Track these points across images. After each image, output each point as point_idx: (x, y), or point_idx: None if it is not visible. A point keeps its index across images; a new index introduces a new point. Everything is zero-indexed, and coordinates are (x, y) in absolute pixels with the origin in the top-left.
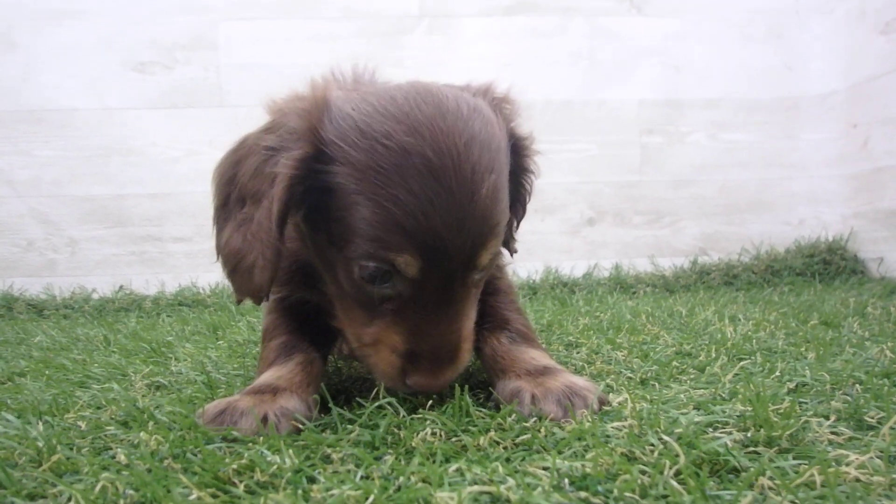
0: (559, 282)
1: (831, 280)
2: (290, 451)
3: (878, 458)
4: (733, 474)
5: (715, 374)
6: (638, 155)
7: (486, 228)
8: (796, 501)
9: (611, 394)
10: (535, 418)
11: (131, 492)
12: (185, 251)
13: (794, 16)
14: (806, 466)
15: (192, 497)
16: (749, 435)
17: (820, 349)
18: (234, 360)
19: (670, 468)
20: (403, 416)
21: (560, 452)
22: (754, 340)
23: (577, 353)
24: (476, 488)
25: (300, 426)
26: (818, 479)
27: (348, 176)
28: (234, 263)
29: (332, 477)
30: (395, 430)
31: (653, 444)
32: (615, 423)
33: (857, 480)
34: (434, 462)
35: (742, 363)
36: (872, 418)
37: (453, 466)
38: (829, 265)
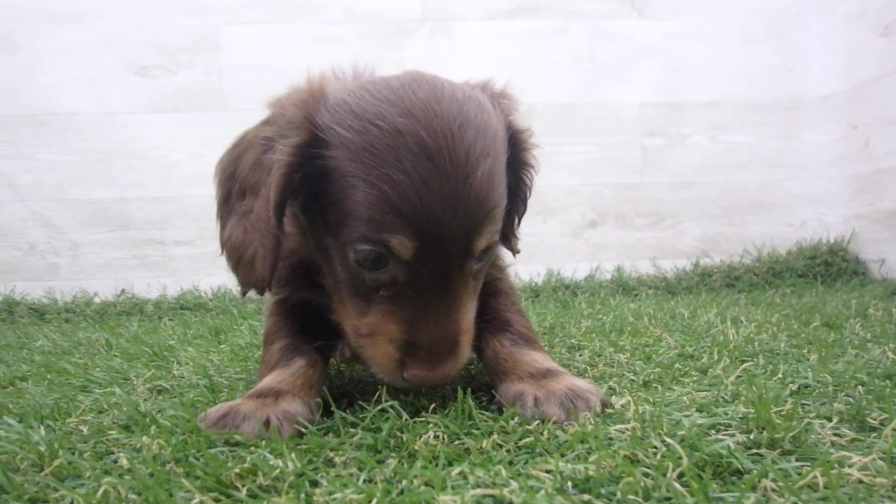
0: (561, 284)
1: (833, 281)
2: (293, 454)
3: (880, 459)
4: (736, 476)
5: (717, 376)
6: (639, 156)
7: (482, 213)
8: (799, 503)
9: (613, 396)
10: (537, 421)
11: (133, 496)
12: (188, 254)
13: (794, 17)
14: (808, 468)
15: (195, 501)
16: (752, 437)
17: (822, 351)
18: (237, 363)
19: (673, 470)
20: (406, 420)
21: (563, 455)
22: (756, 342)
23: (580, 355)
24: (479, 491)
25: (302, 430)
26: (821, 480)
27: (343, 159)
28: (237, 256)
29: (334, 480)
30: (398, 434)
31: (656, 447)
32: (618, 426)
33: (860, 482)
34: (437, 465)
35: (744, 365)
36: (875, 420)
37: (456, 469)
38: (830, 267)
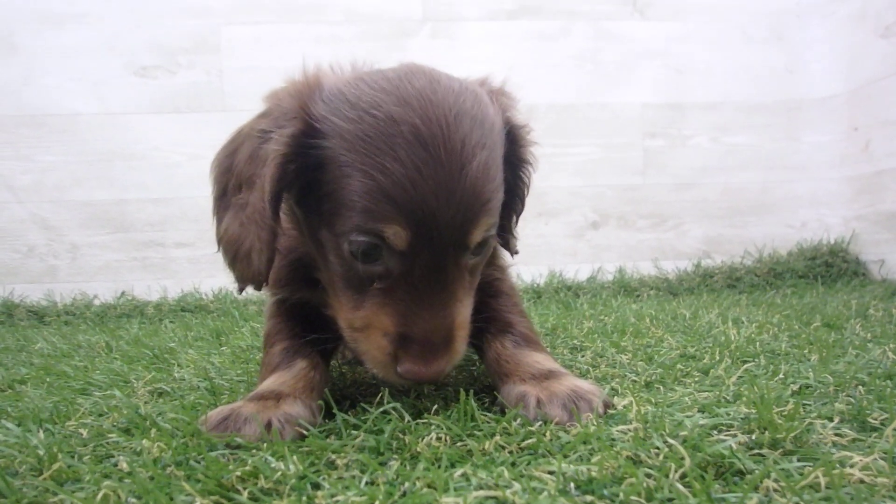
0: (563, 285)
1: (833, 282)
2: (295, 457)
3: (881, 459)
4: (738, 477)
5: (719, 376)
6: (641, 158)
7: (478, 204)
8: (801, 503)
9: (615, 397)
10: (540, 422)
11: (133, 500)
12: (188, 256)
13: (795, 18)
14: (810, 468)
15: None
16: (754, 437)
17: (823, 351)
18: (238, 366)
19: (676, 471)
20: (408, 421)
21: (565, 456)
22: (758, 343)
23: (582, 356)
24: (482, 493)
25: (304, 432)
26: (822, 480)
27: (338, 148)
28: (233, 251)
29: (336, 483)
30: (400, 436)
31: (658, 447)
32: (620, 427)
33: (861, 482)
34: (439, 467)
35: (746, 365)
36: (876, 420)
37: (459, 471)
38: (831, 267)
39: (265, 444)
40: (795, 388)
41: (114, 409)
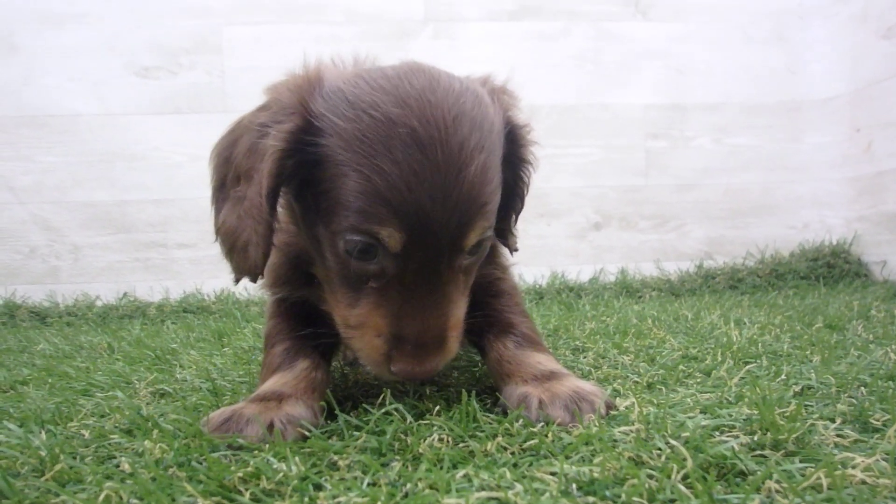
0: (565, 286)
1: (835, 283)
2: (297, 458)
3: (883, 460)
4: (740, 478)
5: (721, 377)
6: (643, 159)
7: (474, 207)
8: None
9: (618, 398)
10: (542, 423)
11: (135, 501)
12: (190, 257)
13: (796, 19)
14: (812, 469)
15: None
16: (756, 438)
17: (825, 352)
18: (240, 366)
19: (678, 472)
20: (410, 423)
21: (567, 457)
22: (760, 344)
23: (584, 357)
24: (484, 494)
25: (306, 433)
26: (825, 481)
27: (336, 147)
28: (230, 243)
29: (338, 484)
30: (402, 437)
31: (660, 449)
32: (622, 428)
33: (864, 483)
34: (441, 468)
35: (748, 367)
36: (878, 421)
37: (461, 472)
38: (832, 268)
39: (267, 445)
40: (797, 389)
41: (116, 410)
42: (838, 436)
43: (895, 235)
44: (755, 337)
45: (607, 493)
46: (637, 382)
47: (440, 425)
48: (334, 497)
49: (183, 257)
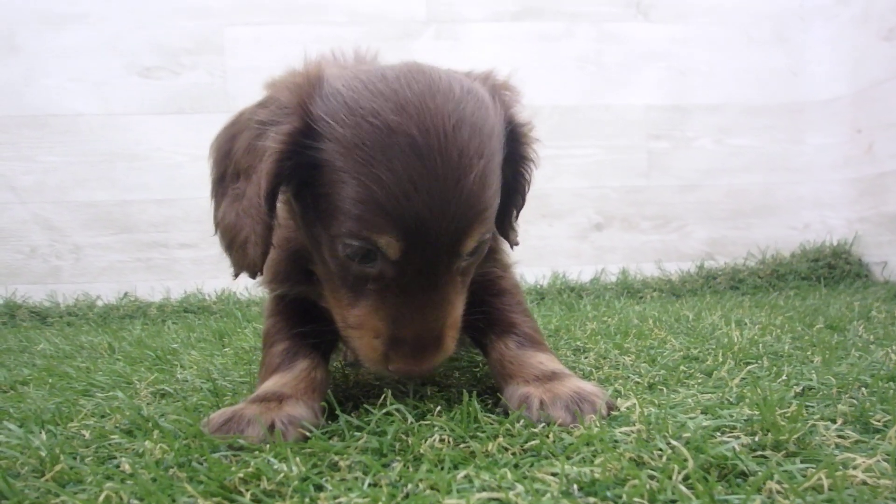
0: (567, 287)
1: (836, 284)
2: (297, 458)
3: (884, 461)
4: (741, 478)
5: (722, 378)
6: (645, 159)
7: (472, 214)
8: None
9: (619, 399)
10: (543, 424)
11: (136, 501)
12: (191, 257)
13: (798, 21)
14: (813, 470)
15: None
16: (757, 439)
17: (826, 353)
18: (241, 367)
19: (679, 473)
20: (411, 423)
21: (568, 458)
22: (761, 344)
23: (585, 357)
24: (485, 495)
25: (307, 434)
26: (825, 482)
27: (334, 153)
28: (229, 238)
29: (339, 485)
30: (403, 437)
31: (661, 449)
32: (623, 428)
33: (864, 484)
34: (442, 468)
35: (749, 367)
36: (878, 421)
37: (462, 473)
38: (833, 269)
39: (268, 446)
40: (798, 389)
41: (116, 410)
42: (839, 436)
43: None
44: (756, 337)
45: (608, 493)
46: (638, 383)
47: (441, 426)
48: (335, 497)
49: (184, 257)
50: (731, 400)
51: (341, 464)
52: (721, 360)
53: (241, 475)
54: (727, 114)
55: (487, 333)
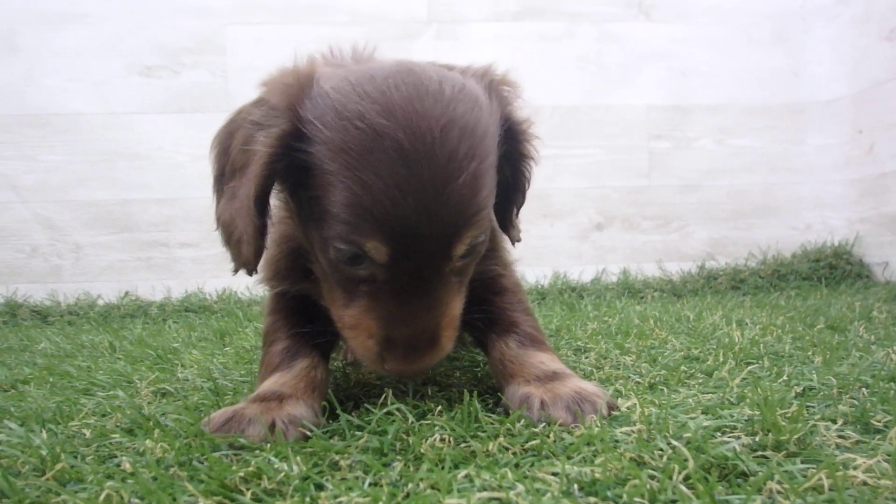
0: (567, 287)
1: (837, 284)
2: (298, 458)
3: (885, 461)
4: (742, 479)
5: (723, 378)
6: (646, 160)
7: (462, 218)
8: None
9: (619, 399)
10: (544, 424)
11: (136, 500)
12: (192, 257)
13: (799, 21)
14: (814, 470)
15: None
16: (757, 439)
17: (826, 353)
18: (241, 366)
19: (679, 473)
20: (412, 422)
21: (569, 458)
22: (761, 345)
23: (586, 357)
24: (485, 494)
25: (308, 433)
26: (826, 482)
27: (323, 156)
28: (227, 234)
29: (339, 484)
30: (404, 437)
31: (661, 449)
32: (624, 428)
33: (865, 484)
34: (443, 468)
35: (749, 367)
36: (879, 422)
37: (462, 472)
38: (834, 269)
39: (268, 445)
40: (799, 390)
41: (117, 409)
42: (840, 437)
43: None
44: (757, 338)
45: (609, 493)
46: (639, 383)
47: (442, 425)
48: (336, 497)
49: (185, 257)
50: (731, 400)
51: (342, 463)
52: (722, 360)
53: (241, 474)
54: (728, 114)
55: (488, 332)
